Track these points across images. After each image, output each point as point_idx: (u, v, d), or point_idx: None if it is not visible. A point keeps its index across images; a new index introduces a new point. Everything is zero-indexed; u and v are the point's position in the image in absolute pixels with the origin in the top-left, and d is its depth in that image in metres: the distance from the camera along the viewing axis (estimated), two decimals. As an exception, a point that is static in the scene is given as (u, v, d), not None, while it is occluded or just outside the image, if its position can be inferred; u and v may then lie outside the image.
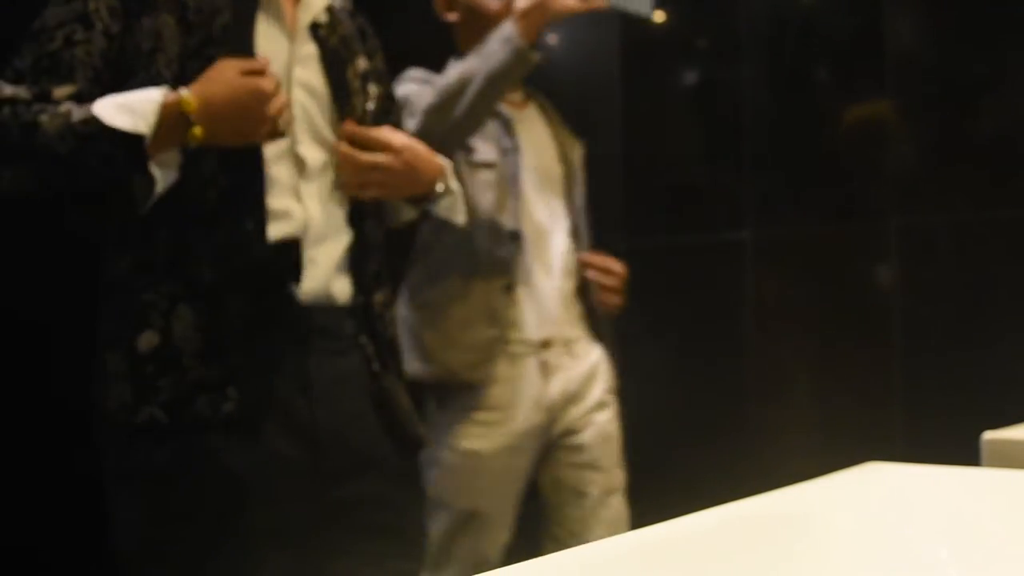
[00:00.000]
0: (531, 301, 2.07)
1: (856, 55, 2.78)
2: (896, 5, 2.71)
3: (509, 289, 2.02)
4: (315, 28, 1.51)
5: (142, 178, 1.34)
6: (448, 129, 1.91)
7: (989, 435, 0.93)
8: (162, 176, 1.36)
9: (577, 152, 2.24)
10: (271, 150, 1.43)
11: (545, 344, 2.07)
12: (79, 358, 1.51)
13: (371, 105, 1.58)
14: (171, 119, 1.33)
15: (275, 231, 1.41)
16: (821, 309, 2.78)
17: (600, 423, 2.13)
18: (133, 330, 1.38)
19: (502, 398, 2.03)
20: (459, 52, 2.13)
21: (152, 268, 1.39)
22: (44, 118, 1.31)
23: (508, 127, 2.10)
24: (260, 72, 1.37)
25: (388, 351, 1.53)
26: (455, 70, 1.95)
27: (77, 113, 1.32)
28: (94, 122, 1.30)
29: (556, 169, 2.16)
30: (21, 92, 1.35)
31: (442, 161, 1.64)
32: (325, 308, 1.46)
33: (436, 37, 2.19)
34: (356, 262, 1.50)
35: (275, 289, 1.40)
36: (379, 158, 1.52)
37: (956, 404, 2.46)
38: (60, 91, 1.36)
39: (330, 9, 1.55)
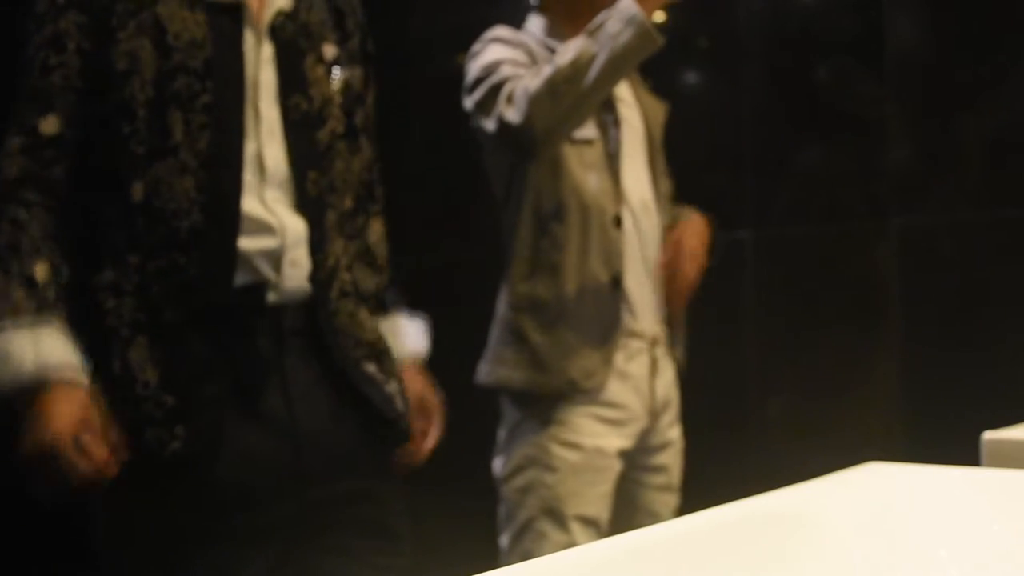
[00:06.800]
0: (639, 292, 1.90)
1: (856, 55, 2.78)
2: (896, 5, 2.71)
3: (616, 284, 1.86)
4: (272, 23, 1.46)
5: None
6: (557, 118, 1.73)
7: (989, 435, 0.93)
8: None
9: (661, 116, 2.04)
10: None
11: (655, 341, 1.93)
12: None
13: (336, 90, 1.52)
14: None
15: (255, 244, 1.40)
16: (821, 309, 2.78)
17: (676, 441, 1.98)
18: (100, 354, 1.37)
19: (622, 395, 1.87)
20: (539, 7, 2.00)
21: (121, 292, 1.38)
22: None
23: (607, 99, 1.90)
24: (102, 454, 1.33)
25: (367, 346, 1.52)
26: (566, 53, 1.73)
27: None
28: None
29: (645, 142, 1.98)
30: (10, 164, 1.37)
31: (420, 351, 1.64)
32: (303, 308, 1.44)
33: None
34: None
35: (236, 332, 1.38)
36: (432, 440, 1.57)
37: (956, 404, 2.46)
38: (46, 125, 1.37)
39: None
